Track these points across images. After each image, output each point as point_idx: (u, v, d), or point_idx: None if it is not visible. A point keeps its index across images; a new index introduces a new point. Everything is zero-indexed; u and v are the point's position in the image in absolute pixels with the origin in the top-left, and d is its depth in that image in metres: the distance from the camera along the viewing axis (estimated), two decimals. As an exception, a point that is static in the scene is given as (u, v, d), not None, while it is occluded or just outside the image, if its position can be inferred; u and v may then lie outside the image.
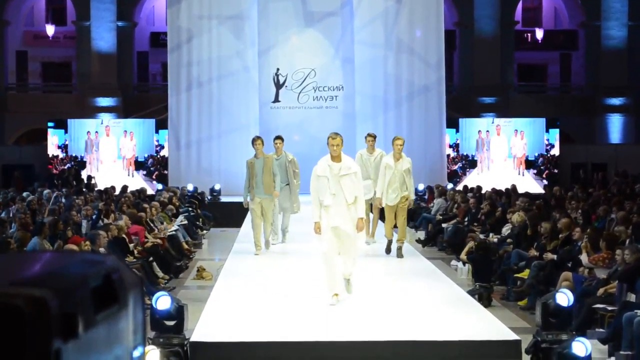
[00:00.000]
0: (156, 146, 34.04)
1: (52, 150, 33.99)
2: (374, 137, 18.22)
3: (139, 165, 34.00)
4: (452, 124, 34.07)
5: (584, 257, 14.13)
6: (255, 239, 17.03)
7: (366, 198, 16.25)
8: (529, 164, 34.22)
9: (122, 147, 33.92)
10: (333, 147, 12.24)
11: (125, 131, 34.04)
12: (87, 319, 2.31)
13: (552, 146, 34.20)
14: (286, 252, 17.58)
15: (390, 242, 16.71)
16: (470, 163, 34.13)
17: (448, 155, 33.80)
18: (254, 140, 17.25)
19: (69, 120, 34.42)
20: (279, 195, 17.61)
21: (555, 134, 34.32)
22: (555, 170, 34.18)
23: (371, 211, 18.10)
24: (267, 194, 17.03)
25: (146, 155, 34.16)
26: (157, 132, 33.96)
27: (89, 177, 32.62)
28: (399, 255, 16.50)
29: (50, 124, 34.18)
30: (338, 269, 12.09)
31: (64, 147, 33.99)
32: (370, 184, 17.33)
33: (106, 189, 28.21)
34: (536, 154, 34.34)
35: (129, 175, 33.45)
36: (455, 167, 33.93)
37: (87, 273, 2.60)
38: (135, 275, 2.67)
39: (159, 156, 34.01)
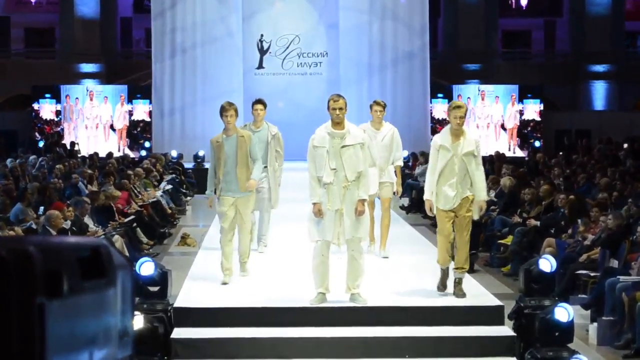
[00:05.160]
0: (129, 112, 33.84)
1: (50, 115, 33.88)
2: (384, 106, 13.16)
3: (113, 127, 33.90)
4: (447, 92, 34.07)
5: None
6: (224, 258, 11.52)
7: (371, 193, 11.50)
8: (504, 127, 34.33)
9: (102, 114, 33.66)
10: (335, 112, 10.20)
11: (106, 97, 33.81)
12: (73, 282, 2.34)
13: (523, 112, 34.21)
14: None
15: (445, 273, 10.86)
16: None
17: (444, 120, 33.85)
18: (224, 109, 11.63)
19: (61, 87, 34.26)
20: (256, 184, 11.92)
21: (528, 102, 34.34)
22: (525, 131, 34.20)
23: None
24: (244, 191, 11.56)
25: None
26: (129, 101, 33.76)
27: (72, 143, 32.46)
28: (459, 292, 10.69)
29: (47, 95, 34.06)
30: (329, 265, 10.24)
31: (56, 112, 33.89)
32: (377, 173, 12.71)
33: (90, 155, 28.12)
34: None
35: (119, 150, 32.97)
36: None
37: (74, 243, 2.63)
38: (125, 258, 2.70)
39: (131, 119, 33.87)
